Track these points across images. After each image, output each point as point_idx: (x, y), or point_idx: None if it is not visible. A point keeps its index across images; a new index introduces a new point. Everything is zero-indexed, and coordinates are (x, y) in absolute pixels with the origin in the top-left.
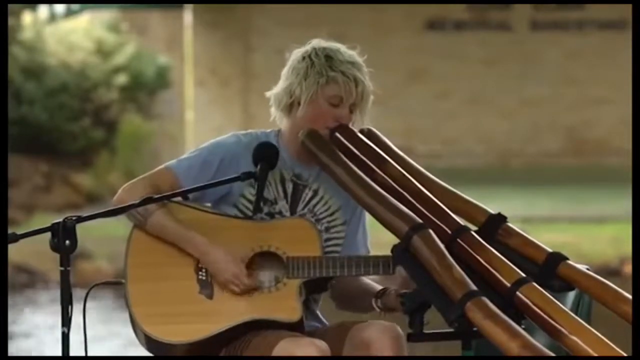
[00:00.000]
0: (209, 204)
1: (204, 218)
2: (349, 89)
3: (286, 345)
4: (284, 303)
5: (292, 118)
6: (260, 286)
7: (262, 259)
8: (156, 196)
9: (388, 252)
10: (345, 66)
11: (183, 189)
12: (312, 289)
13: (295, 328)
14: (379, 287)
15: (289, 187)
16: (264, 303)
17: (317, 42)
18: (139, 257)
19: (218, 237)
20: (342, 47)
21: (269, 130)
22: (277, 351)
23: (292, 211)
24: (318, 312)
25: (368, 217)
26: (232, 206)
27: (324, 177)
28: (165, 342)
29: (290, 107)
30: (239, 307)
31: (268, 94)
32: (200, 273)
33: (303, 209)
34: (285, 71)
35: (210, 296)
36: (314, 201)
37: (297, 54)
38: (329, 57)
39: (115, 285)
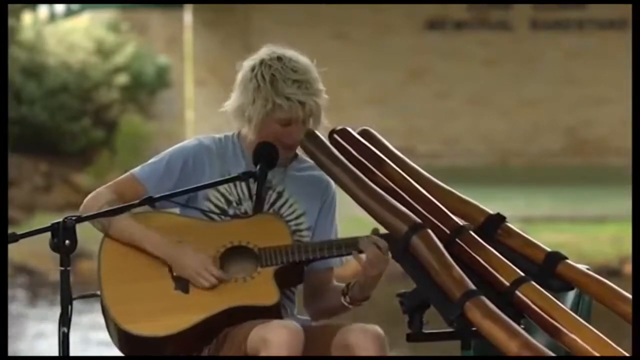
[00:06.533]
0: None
1: (172, 222)
2: (295, 111)
3: (258, 332)
4: (260, 288)
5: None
6: (235, 278)
7: (234, 254)
8: (156, 196)
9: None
10: (290, 90)
11: (183, 189)
12: (286, 279)
13: (273, 312)
14: (342, 285)
15: (253, 188)
16: (240, 291)
17: (266, 54)
18: (111, 263)
19: (187, 239)
20: (289, 61)
21: (230, 133)
22: (251, 339)
23: (258, 212)
24: (295, 312)
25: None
26: (205, 199)
27: (288, 181)
28: (147, 336)
29: (246, 121)
30: (216, 298)
31: (223, 108)
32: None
33: (268, 209)
34: (237, 85)
35: (186, 291)
36: (279, 203)
37: (246, 68)
38: (274, 80)
39: (92, 297)
